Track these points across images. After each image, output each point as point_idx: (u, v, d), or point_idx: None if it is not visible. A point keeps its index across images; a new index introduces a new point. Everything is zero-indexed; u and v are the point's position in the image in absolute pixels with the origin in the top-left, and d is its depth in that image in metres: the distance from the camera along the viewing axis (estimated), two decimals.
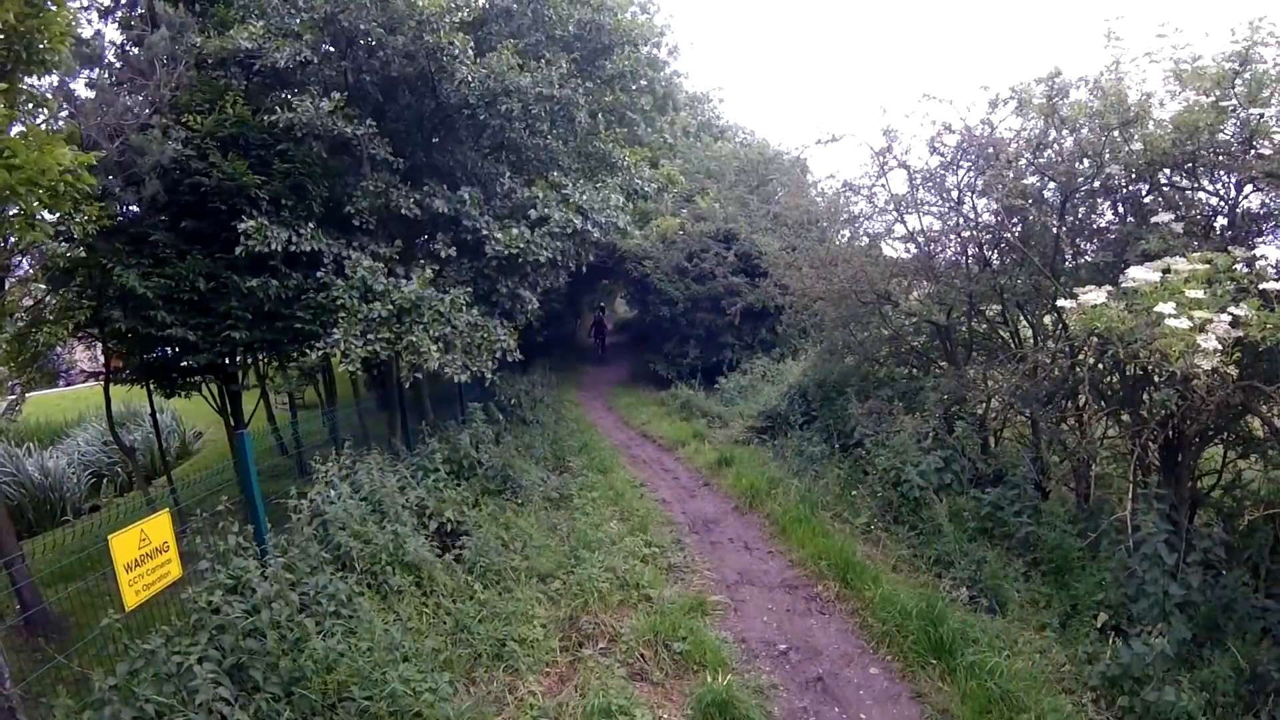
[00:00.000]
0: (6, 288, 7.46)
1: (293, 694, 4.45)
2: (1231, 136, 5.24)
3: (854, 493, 8.43)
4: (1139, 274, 4.37)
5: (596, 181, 11.13)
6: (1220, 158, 5.27)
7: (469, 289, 9.29)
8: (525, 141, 10.74)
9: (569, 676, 5.55)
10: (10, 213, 5.54)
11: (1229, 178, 5.53)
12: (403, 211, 9.25)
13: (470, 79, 9.14)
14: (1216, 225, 5.66)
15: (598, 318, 30.15)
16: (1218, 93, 5.10)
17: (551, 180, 10.43)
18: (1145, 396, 5.79)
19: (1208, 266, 4.14)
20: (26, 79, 6.03)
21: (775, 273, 12.93)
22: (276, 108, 8.45)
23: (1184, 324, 3.84)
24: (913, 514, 7.58)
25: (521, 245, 9.45)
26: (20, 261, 7.94)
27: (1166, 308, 3.95)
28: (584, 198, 10.16)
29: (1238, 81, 5.09)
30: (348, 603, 5.49)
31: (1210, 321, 3.77)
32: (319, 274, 8.52)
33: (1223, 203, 5.68)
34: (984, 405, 8.14)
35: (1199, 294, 3.96)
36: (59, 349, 9.25)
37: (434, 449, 9.01)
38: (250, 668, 4.34)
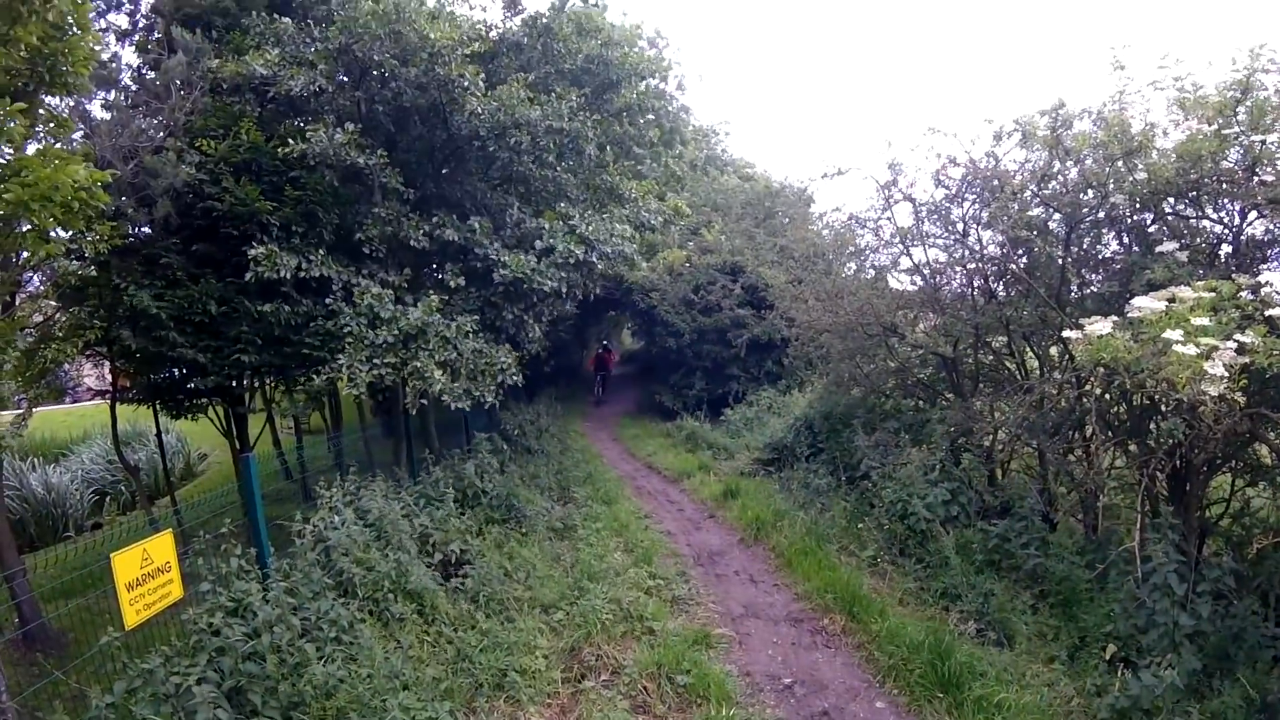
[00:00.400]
0: (17, 303, 7.53)
1: (291, 719, 4.41)
2: (1235, 164, 5.26)
3: (860, 525, 8.36)
4: (1144, 303, 4.37)
5: (604, 213, 11.24)
6: (1224, 185, 5.29)
7: (476, 317, 9.34)
8: (534, 173, 10.88)
9: (570, 708, 5.48)
10: (23, 229, 5.61)
11: (1233, 205, 5.55)
12: (412, 242, 9.34)
13: (481, 111, 9.28)
14: (1221, 253, 5.67)
15: (601, 352, 25.93)
16: (1220, 120, 5.14)
17: (559, 211, 10.53)
18: (1152, 426, 5.76)
19: (1212, 294, 4.14)
20: (47, 100, 6.14)
21: (781, 305, 12.97)
22: (291, 138, 8.58)
23: (1191, 351, 3.83)
24: (919, 546, 7.51)
25: (527, 271, 9.51)
26: (31, 277, 8.02)
27: (1174, 334, 3.94)
28: (590, 229, 10.24)
29: (1240, 109, 5.14)
30: (349, 629, 5.45)
31: (1216, 349, 3.76)
32: (328, 301, 8.58)
33: (1227, 230, 5.70)
34: (991, 437, 8.10)
35: (1205, 321, 3.95)
36: (67, 366, 9.28)
37: (438, 477, 8.99)
38: (249, 691, 4.30)
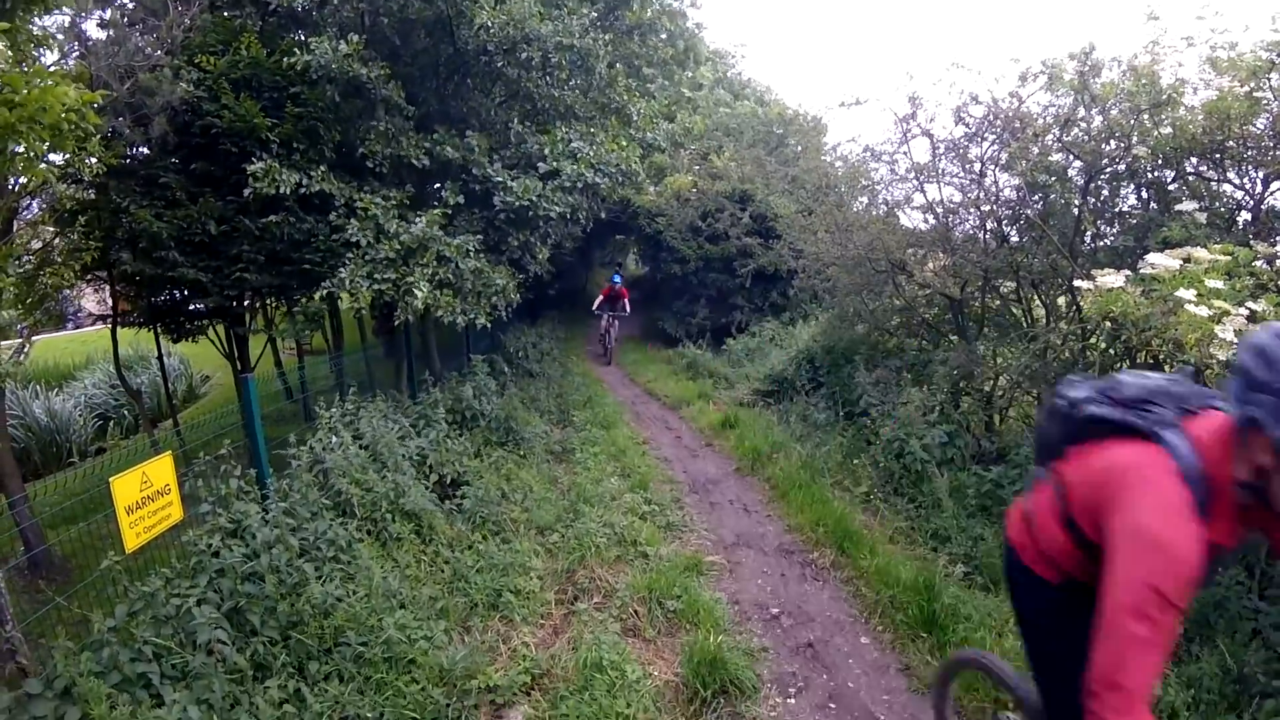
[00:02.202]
0: (15, 230, 7.42)
1: (290, 638, 4.53)
2: (1263, 130, 5.09)
3: (856, 461, 8.43)
4: (1159, 259, 4.28)
5: (611, 134, 10.95)
6: (1249, 151, 5.14)
7: (479, 236, 9.21)
8: (541, 91, 10.55)
9: (563, 629, 5.62)
10: (16, 151, 5.46)
11: (1256, 172, 5.41)
12: (412, 160, 9.14)
13: (490, 24, 8.94)
14: (1240, 219, 5.54)
15: (613, 287, 18.05)
16: (1253, 83, 4.94)
17: (562, 134, 10.25)
18: None
19: (1229, 259, 4.06)
20: (34, 20, 5.89)
21: (789, 236, 12.80)
22: (295, 49, 8.30)
23: (1203, 312, 3.77)
24: (913, 486, 7.59)
25: (534, 197, 9.34)
26: (30, 204, 7.89)
27: (1188, 294, 3.88)
28: (593, 151, 9.99)
29: (1274, 74, 4.93)
30: (347, 549, 5.56)
31: (1228, 313, 3.70)
32: (331, 217, 8.47)
33: (1248, 197, 5.56)
34: (992, 382, 8.09)
35: (1219, 285, 3.89)
36: (67, 292, 9.23)
37: (437, 398, 9.03)
38: (248, 611, 4.40)
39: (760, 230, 17.23)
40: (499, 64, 9.70)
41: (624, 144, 10.43)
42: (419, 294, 7.88)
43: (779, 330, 15.88)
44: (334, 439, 6.63)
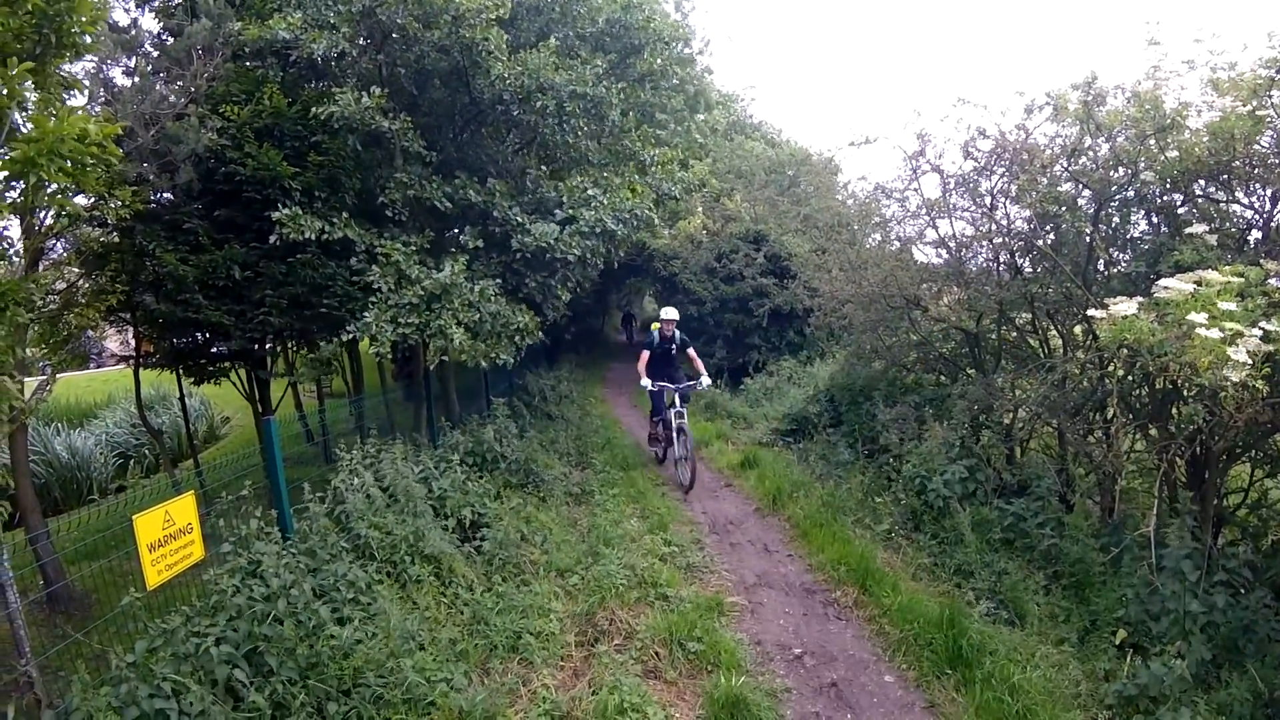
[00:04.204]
0: (40, 269, 7.64)
1: (308, 679, 4.53)
2: (1268, 148, 5.11)
3: (877, 499, 8.36)
4: (1171, 284, 4.28)
5: (626, 180, 11.14)
6: (1256, 169, 5.15)
7: (498, 281, 9.36)
8: (556, 139, 10.79)
9: (583, 671, 5.57)
10: (45, 189, 5.64)
11: (1264, 190, 5.40)
12: (434, 204, 9.34)
13: (506, 75, 9.19)
14: (1251, 238, 5.53)
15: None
16: (1255, 102, 4.97)
17: (578, 184, 10.45)
18: (1174, 411, 5.68)
19: (1240, 279, 4.05)
20: (61, 65, 6.12)
21: (804, 275, 12.87)
22: (321, 99, 8.57)
23: (1215, 335, 3.76)
24: (935, 522, 7.51)
25: (551, 241, 9.49)
26: (55, 244, 8.11)
27: (1199, 317, 3.87)
28: (610, 198, 10.17)
29: (1275, 90, 4.96)
30: (366, 590, 5.56)
31: (1241, 335, 3.69)
32: (352, 262, 8.65)
33: (1258, 215, 5.55)
34: (1011, 414, 8.04)
35: (1231, 306, 3.87)
36: (90, 332, 9.42)
37: (457, 441, 9.08)
38: (267, 652, 4.41)
39: (775, 270, 17.34)
40: (514, 113, 9.95)
41: (638, 190, 10.61)
42: (456, 337, 8.02)
43: (796, 369, 15.87)
44: (355, 480, 6.68)
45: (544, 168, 11.02)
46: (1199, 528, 5.16)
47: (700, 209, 19.58)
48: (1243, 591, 4.75)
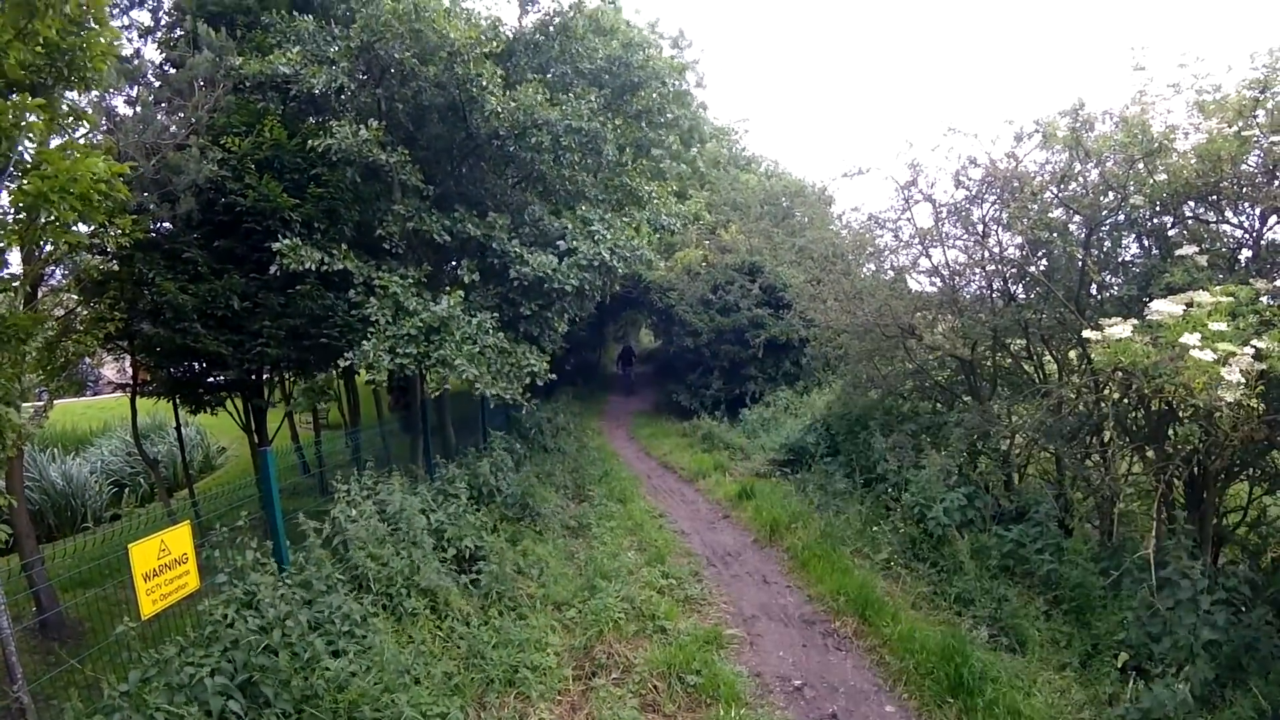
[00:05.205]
0: (39, 296, 7.65)
1: (303, 711, 4.46)
2: (1255, 167, 5.19)
3: (875, 528, 8.32)
4: (1163, 306, 4.31)
5: (623, 215, 11.24)
6: (1244, 189, 5.22)
7: (495, 314, 9.40)
8: (553, 173, 10.91)
9: (580, 705, 5.51)
10: (44, 220, 5.67)
11: (1253, 210, 5.48)
12: (433, 237, 9.41)
13: (500, 110, 9.32)
14: (1241, 258, 5.59)
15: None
16: (1240, 123, 5.06)
17: (580, 214, 10.55)
18: (1170, 432, 5.69)
19: (1231, 299, 4.08)
20: (67, 94, 6.19)
21: (800, 305, 12.93)
22: (319, 132, 8.68)
23: (1208, 356, 3.78)
24: (934, 550, 7.48)
25: (549, 271, 9.56)
26: (53, 271, 8.14)
27: (1192, 339, 3.89)
28: (609, 233, 10.27)
29: (1259, 110, 5.05)
30: (362, 623, 5.50)
31: (1234, 354, 3.71)
32: (350, 294, 8.68)
33: (1247, 235, 5.63)
34: (1008, 441, 8.03)
35: (1222, 326, 3.90)
36: (87, 359, 9.40)
37: (453, 474, 9.04)
38: (262, 683, 4.35)
39: (770, 301, 17.43)
40: (510, 147, 10.07)
41: (642, 230, 10.73)
42: (462, 367, 8.03)
43: (793, 399, 15.87)
44: (353, 511, 6.64)
45: (543, 203, 11.11)
46: (1198, 547, 5.14)
47: (696, 240, 19.72)
48: (1244, 610, 4.72)
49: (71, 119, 6.11)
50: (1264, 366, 3.70)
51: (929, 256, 8.91)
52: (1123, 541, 6.42)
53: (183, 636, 4.47)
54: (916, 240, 8.96)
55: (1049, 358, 7.78)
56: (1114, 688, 4.95)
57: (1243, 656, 4.41)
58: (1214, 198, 5.50)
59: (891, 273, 10.02)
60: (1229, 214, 5.66)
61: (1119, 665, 5.12)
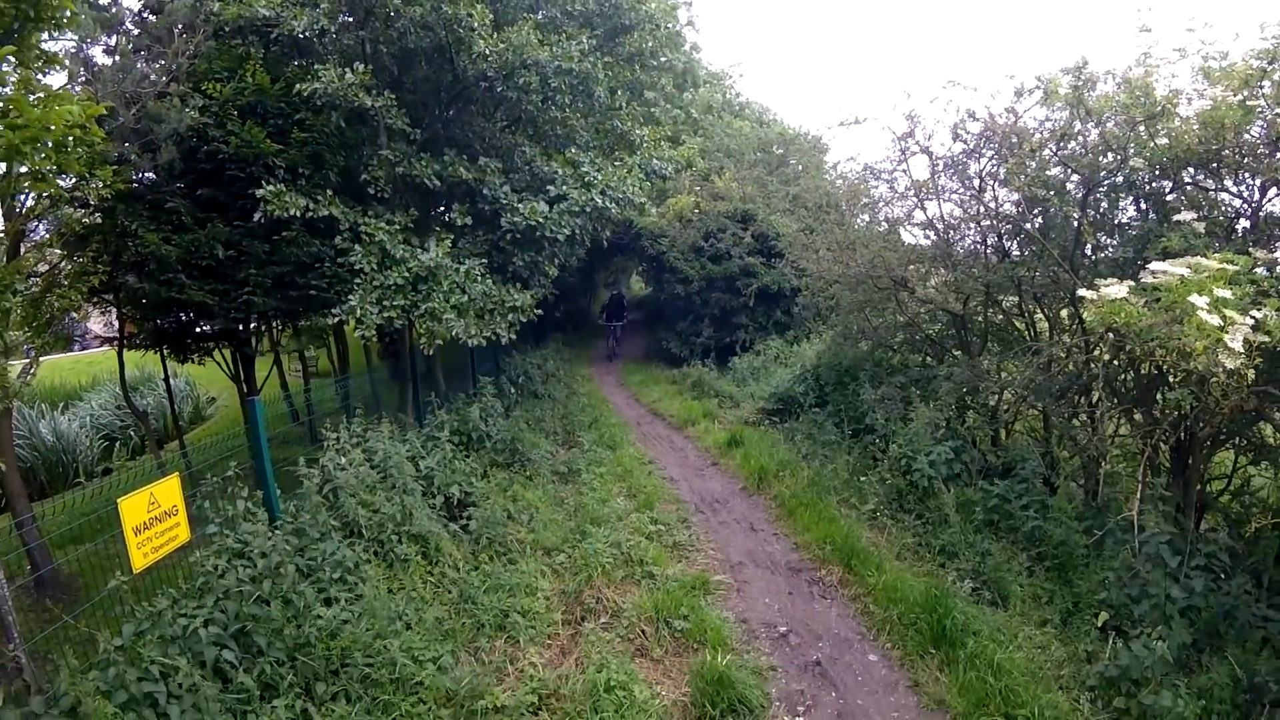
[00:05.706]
0: (22, 252, 7.50)
1: (296, 659, 4.53)
2: (1258, 138, 5.11)
3: (862, 479, 8.42)
4: (1164, 267, 4.28)
5: (614, 159, 11.04)
6: (1245, 159, 5.16)
7: (484, 260, 9.28)
8: (543, 115, 10.67)
9: (570, 649, 5.61)
10: (20, 171, 5.51)
11: (1253, 180, 5.41)
12: (423, 181, 9.23)
13: (488, 52, 9.05)
14: (1239, 227, 5.55)
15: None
16: (1245, 92, 4.97)
17: (570, 157, 10.35)
18: (1159, 396, 5.73)
19: (1232, 267, 4.06)
20: (42, 40, 5.96)
21: (792, 255, 12.84)
22: (304, 76, 8.43)
23: (1215, 320, 3.77)
24: (920, 503, 7.57)
25: (540, 219, 9.42)
26: (36, 226, 7.98)
27: (1200, 301, 3.87)
28: (601, 176, 10.09)
29: (1265, 81, 4.96)
30: (354, 570, 5.56)
31: (1234, 322, 3.70)
32: (336, 241, 8.55)
33: (1246, 205, 5.57)
34: (997, 397, 8.08)
35: (1226, 293, 3.88)
36: (74, 314, 9.28)
37: (443, 421, 9.06)
38: (255, 633, 4.40)
39: (763, 250, 17.30)
40: (499, 89, 9.81)
41: (633, 172, 10.54)
42: (451, 320, 7.97)
43: (783, 348, 15.89)
44: (343, 459, 6.65)
45: (534, 146, 10.89)
46: (1181, 513, 5.22)
47: (688, 186, 19.45)
48: (1223, 577, 4.82)
49: (42, 62, 5.88)
50: (1264, 338, 3.70)
51: (924, 209, 8.82)
52: (1107, 502, 6.52)
53: (175, 589, 4.49)
54: (912, 192, 8.86)
55: (1041, 316, 7.77)
56: (1094, 646, 5.07)
57: (1220, 623, 4.51)
58: (1215, 165, 5.42)
59: (885, 224, 9.94)
60: (1229, 183, 5.60)
61: (1099, 624, 5.24)
